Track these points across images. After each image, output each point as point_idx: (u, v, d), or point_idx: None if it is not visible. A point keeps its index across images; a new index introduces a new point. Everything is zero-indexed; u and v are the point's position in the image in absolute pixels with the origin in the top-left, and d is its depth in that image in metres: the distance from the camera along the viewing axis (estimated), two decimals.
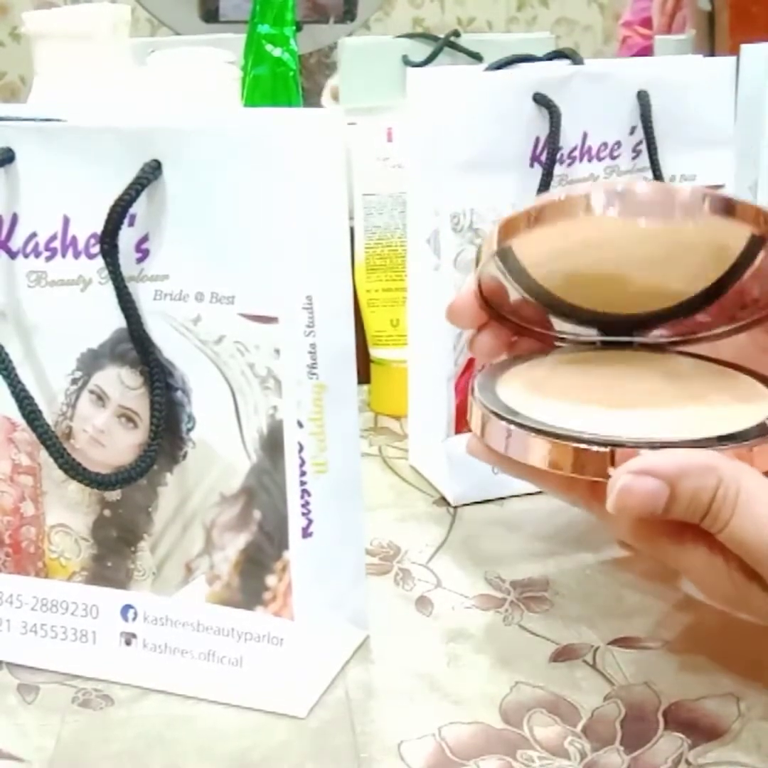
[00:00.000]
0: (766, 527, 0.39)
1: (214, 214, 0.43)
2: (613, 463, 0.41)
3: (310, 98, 1.02)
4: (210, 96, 0.76)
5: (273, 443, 0.44)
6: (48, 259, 0.45)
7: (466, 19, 1.20)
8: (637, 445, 0.41)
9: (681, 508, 0.40)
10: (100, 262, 0.44)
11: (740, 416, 0.43)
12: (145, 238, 0.44)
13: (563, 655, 0.49)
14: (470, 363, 0.63)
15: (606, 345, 0.51)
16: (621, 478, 0.40)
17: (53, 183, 0.44)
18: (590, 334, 0.50)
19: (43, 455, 0.45)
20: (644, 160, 0.64)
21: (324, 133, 0.44)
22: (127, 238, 0.44)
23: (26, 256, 0.46)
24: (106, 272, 0.44)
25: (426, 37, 1.04)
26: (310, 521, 0.44)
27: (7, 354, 0.44)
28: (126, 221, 0.43)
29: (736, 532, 0.39)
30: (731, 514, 0.39)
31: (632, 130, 0.63)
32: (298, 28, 0.88)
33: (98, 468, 0.45)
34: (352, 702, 0.46)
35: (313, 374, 0.44)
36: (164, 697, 0.47)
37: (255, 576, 0.45)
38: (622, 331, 0.50)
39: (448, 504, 0.64)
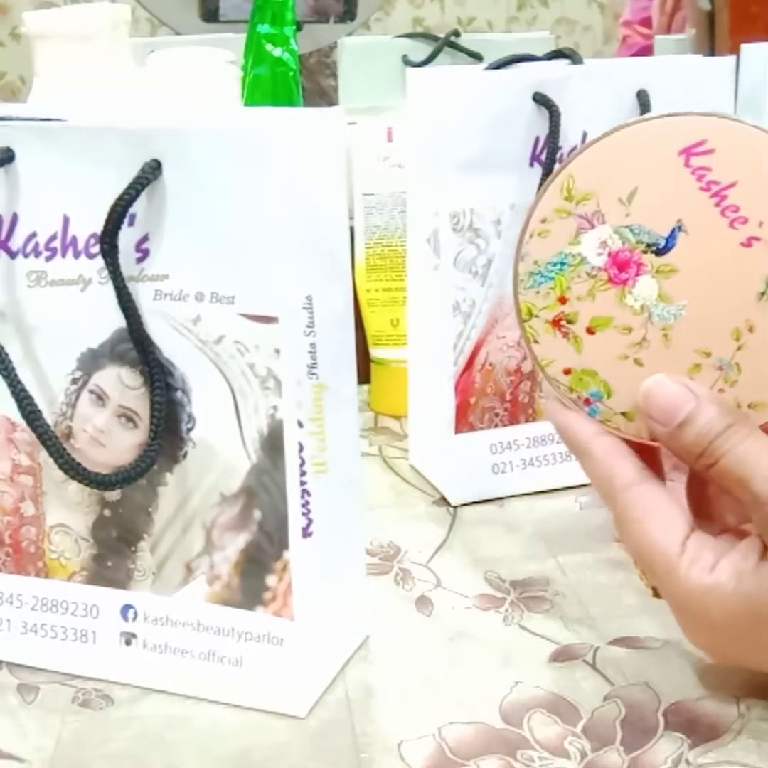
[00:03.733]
0: None
1: (214, 213, 0.43)
2: None
3: (310, 98, 1.02)
4: (210, 96, 0.76)
5: (273, 443, 0.44)
6: (48, 259, 0.45)
7: (466, 19, 1.20)
8: None
9: (694, 431, 0.42)
10: (100, 261, 0.44)
11: None
12: (145, 238, 0.44)
13: (563, 655, 0.49)
14: (470, 362, 0.63)
15: None
16: (657, 375, 0.43)
17: (53, 183, 0.44)
18: None
19: (43, 455, 0.45)
20: None
21: (324, 133, 0.44)
22: (127, 237, 0.43)
23: (26, 256, 0.45)
24: (106, 272, 0.44)
25: (426, 36, 1.04)
26: (310, 521, 0.44)
27: (7, 354, 0.44)
28: (126, 221, 0.43)
29: (742, 455, 0.41)
30: (742, 440, 0.41)
31: None
32: (298, 28, 0.88)
33: (98, 468, 0.45)
34: (352, 702, 0.46)
35: (313, 374, 0.44)
36: (164, 697, 0.47)
37: (255, 576, 0.45)
38: None
39: (448, 504, 0.64)
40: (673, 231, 0.43)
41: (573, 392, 0.45)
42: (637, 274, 0.44)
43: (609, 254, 0.44)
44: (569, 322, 0.45)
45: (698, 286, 0.44)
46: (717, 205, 0.43)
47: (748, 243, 0.43)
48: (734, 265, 0.43)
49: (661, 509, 0.43)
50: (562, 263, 0.44)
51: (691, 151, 0.43)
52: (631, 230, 0.43)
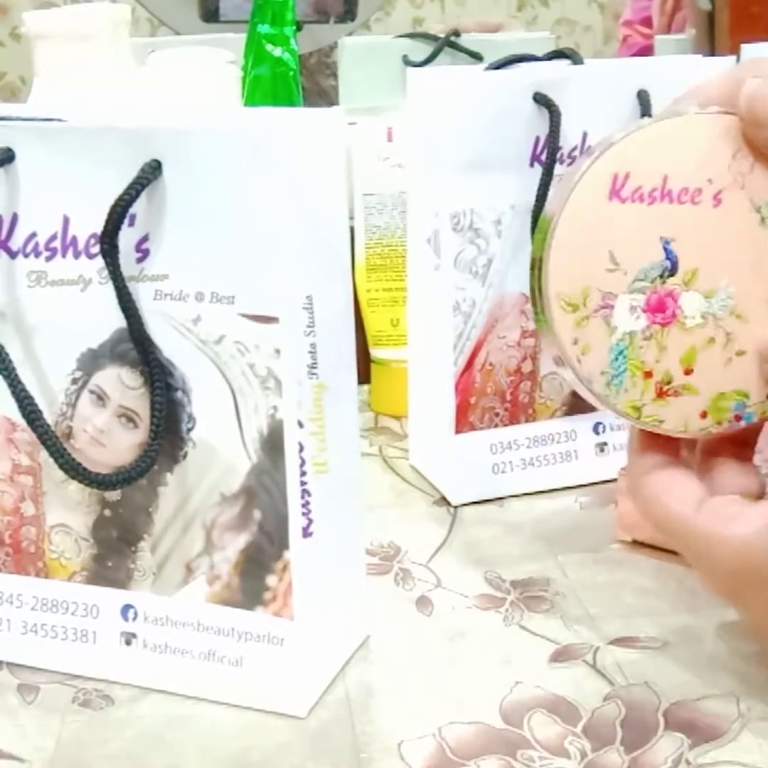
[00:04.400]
0: None
1: (214, 213, 0.43)
2: None
3: (310, 98, 1.02)
4: (210, 96, 0.76)
5: (273, 443, 0.44)
6: (48, 259, 0.45)
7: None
8: None
9: None
10: (100, 262, 0.44)
11: None
12: (145, 238, 0.44)
13: (563, 655, 0.49)
14: (470, 362, 0.63)
15: None
16: (753, 81, 0.43)
17: (53, 183, 0.44)
18: None
19: (44, 455, 0.45)
20: None
21: (324, 133, 0.44)
22: (127, 238, 0.44)
23: (26, 256, 0.46)
24: (106, 272, 0.44)
25: (426, 36, 1.04)
26: (310, 521, 0.44)
27: (7, 354, 0.44)
28: (126, 221, 0.43)
29: None
30: None
31: None
32: (299, 28, 0.88)
33: (98, 468, 0.45)
34: (352, 702, 0.46)
35: (314, 374, 0.44)
36: (164, 697, 0.47)
37: (255, 576, 0.45)
38: None
39: (449, 504, 0.64)
40: (665, 249, 0.44)
41: (722, 425, 0.45)
42: (676, 301, 0.44)
43: (643, 310, 0.44)
44: (668, 383, 0.45)
45: (719, 263, 0.44)
46: (671, 201, 0.44)
47: (717, 201, 0.44)
48: (725, 224, 0.44)
49: (676, 483, 0.44)
50: (620, 353, 0.44)
51: (615, 190, 0.44)
52: (640, 280, 0.44)
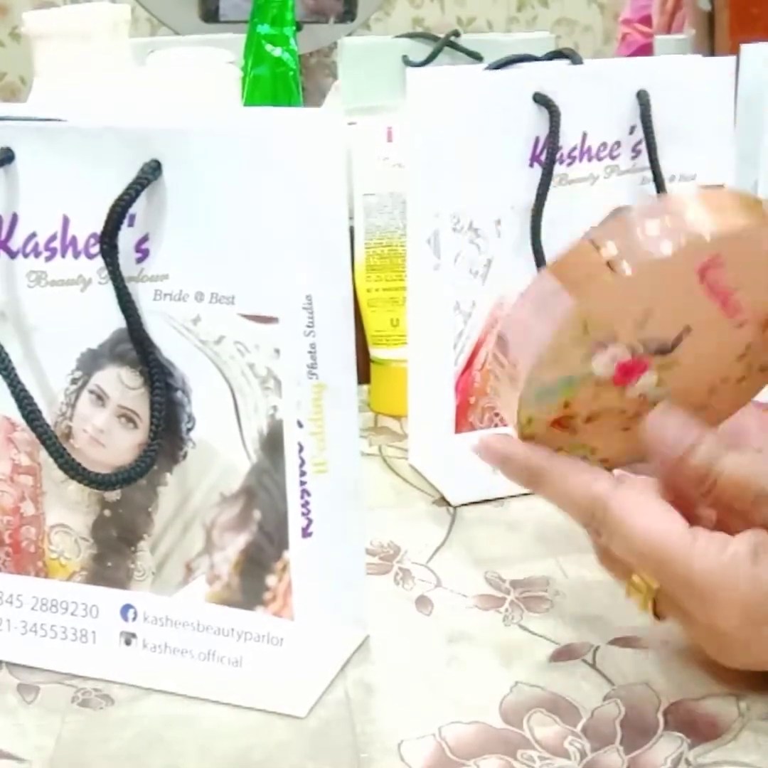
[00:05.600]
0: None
1: (214, 214, 0.43)
2: None
3: (310, 98, 1.02)
4: (210, 96, 0.76)
5: (273, 443, 0.44)
6: (48, 259, 0.45)
7: (466, 19, 1.20)
8: None
9: (699, 455, 0.43)
10: (99, 262, 0.44)
11: None
12: (145, 238, 0.44)
13: (563, 655, 0.49)
14: (470, 362, 0.63)
15: None
16: (661, 407, 0.44)
17: (53, 183, 0.44)
18: None
19: (43, 455, 0.45)
20: (644, 160, 0.64)
21: (324, 133, 0.44)
22: (126, 238, 0.44)
23: (26, 256, 0.46)
24: (105, 272, 0.44)
25: (426, 37, 1.04)
26: (310, 521, 0.44)
27: (7, 354, 0.44)
28: (126, 221, 0.43)
29: (740, 464, 0.42)
30: (736, 456, 0.43)
31: (632, 130, 0.63)
32: (298, 28, 0.88)
33: (98, 468, 0.45)
34: (352, 702, 0.46)
35: (313, 374, 0.44)
36: (164, 697, 0.47)
37: (255, 576, 0.45)
38: None
39: (448, 504, 0.64)
40: (680, 335, 0.43)
41: (534, 436, 0.46)
42: (641, 372, 0.44)
43: (618, 366, 0.43)
44: (570, 418, 0.45)
45: (694, 368, 0.45)
46: (723, 306, 0.43)
47: (741, 324, 0.44)
48: (727, 343, 0.45)
49: (654, 503, 0.43)
50: (571, 379, 0.44)
51: (704, 269, 0.42)
52: (643, 343, 0.43)
